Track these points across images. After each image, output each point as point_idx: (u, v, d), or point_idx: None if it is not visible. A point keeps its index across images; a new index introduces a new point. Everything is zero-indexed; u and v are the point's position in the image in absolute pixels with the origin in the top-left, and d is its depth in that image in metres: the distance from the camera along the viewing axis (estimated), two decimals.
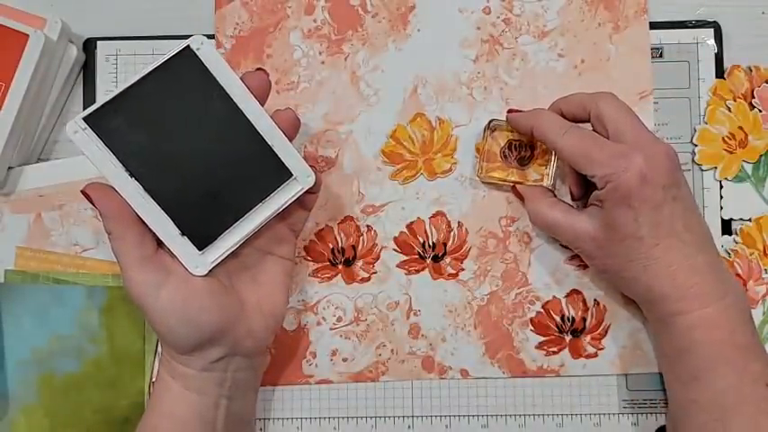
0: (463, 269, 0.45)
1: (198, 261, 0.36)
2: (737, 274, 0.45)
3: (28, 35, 0.42)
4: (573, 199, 0.44)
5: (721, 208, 0.46)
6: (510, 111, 0.44)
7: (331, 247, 0.46)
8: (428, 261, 0.46)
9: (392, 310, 0.45)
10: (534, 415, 0.45)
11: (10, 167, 0.45)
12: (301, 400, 0.45)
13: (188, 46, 0.35)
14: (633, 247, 0.38)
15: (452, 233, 0.46)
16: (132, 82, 0.35)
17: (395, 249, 0.46)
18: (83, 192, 0.35)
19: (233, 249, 0.37)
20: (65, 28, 0.44)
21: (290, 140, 0.37)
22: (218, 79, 0.35)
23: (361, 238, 0.46)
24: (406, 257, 0.46)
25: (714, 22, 0.46)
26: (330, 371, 0.45)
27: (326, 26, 0.46)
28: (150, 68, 0.35)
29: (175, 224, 0.36)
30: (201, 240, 0.36)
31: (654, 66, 0.46)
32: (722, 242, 0.45)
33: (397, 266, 0.46)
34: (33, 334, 0.44)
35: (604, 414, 0.45)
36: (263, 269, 0.40)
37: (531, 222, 0.44)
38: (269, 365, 0.45)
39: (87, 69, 0.47)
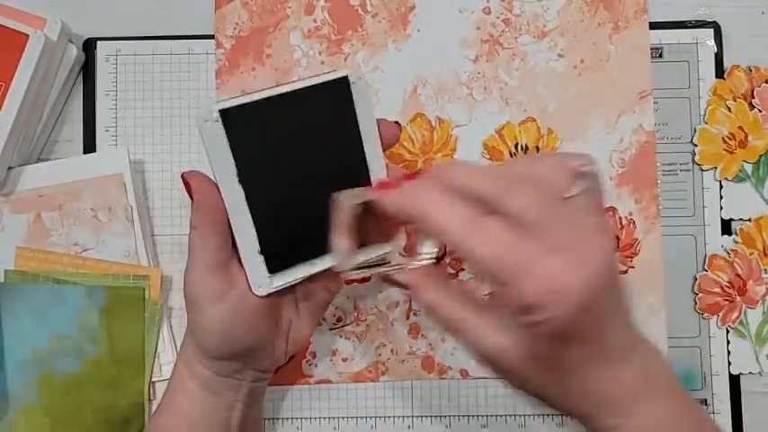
0: (463, 269, 0.45)
1: (263, 282, 0.35)
2: (737, 274, 0.45)
3: (28, 35, 0.42)
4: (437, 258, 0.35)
5: (721, 208, 0.46)
6: (381, 185, 0.35)
7: None
8: None
9: (392, 310, 0.45)
10: (534, 415, 0.45)
11: (10, 167, 0.45)
12: (301, 400, 0.45)
13: (346, 76, 0.35)
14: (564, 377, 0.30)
15: None
16: (280, 92, 0.34)
17: None
18: (183, 176, 0.35)
19: (299, 281, 0.36)
20: (65, 28, 0.44)
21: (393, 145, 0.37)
22: (357, 116, 0.35)
23: None
24: None
25: (714, 22, 0.46)
26: (330, 371, 0.45)
27: (326, 26, 0.46)
28: (302, 85, 0.34)
29: (259, 241, 0.35)
30: (275, 264, 0.35)
31: (654, 66, 0.46)
32: (722, 242, 0.45)
33: None
34: (33, 334, 0.44)
35: None
36: (306, 299, 0.39)
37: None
38: None
39: (87, 69, 0.47)
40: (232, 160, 0.34)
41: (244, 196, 0.34)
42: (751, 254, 0.45)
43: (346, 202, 0.34)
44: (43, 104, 0.45)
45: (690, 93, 0.46)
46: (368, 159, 0.36)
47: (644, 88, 0.46)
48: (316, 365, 0.45)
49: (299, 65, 0.46)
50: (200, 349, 0.37)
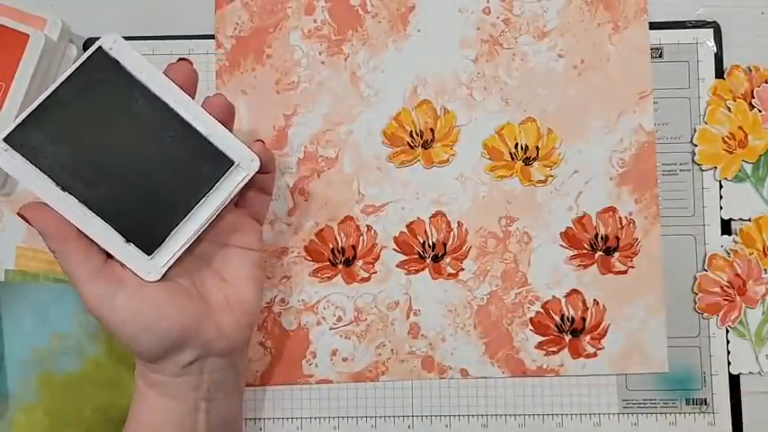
0: (463, 269, 0.45)
1: (149, 266, 0.35)
2: (737, 274, 0.45)
3: (28, 35, 0.42)
4: None
5: (721, 208, 0.46)
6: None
7: (331, 247, 0.46)
8: (428, 261, 0.46)
9: (392, 309, 0.45)
10: (534, 415, 0.45)
11: None
12: (301, 399, 0.45)
13: (100, 47, 0.33)
14: None
15: (452, 233, 0.46)
16: (48, 93, 0.33)
17: (395, 249, 0.46)
18: (19, 214, 0.34)
19: (184, 248, 0.35)
20: (65, 28, 0.44)
21: (228, 126, 0.35)
22: (137, 77, 0.34)
23: (361, 238, 0.46)
24: (405, 257, 0.46)
25: (714, 22, 0.46)
26: (330, 371, 0.45)
27: (326, 26, 0.46)
28: (65, 76, 0.33)
29: (118, 232, 0.34)
30: (149, 244, 0.35)
31: (654, 66, 0.46)
32: (722, 242, 0.45)
33: (396, 266, 0.46)
34: (33, 333, 0.44)
35: (604, 414, 0.45)
36: (227, 263, 0.38)
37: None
38: (268, 365, 0.45)
39: None
40: (44, 176, 0.33)
41: (76, 201, 0.34)
42: (751, 254, 0.45)
43: None
44: None
45: (690, 93, 0.46)
46: (173, 107, 0.34)
47: (644, 88, 0.46)
48: (316, 365, 0.45)
49: (299, 65, 0.46)
50: (136, 356, 0.36)
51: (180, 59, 0.36)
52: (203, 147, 0.35)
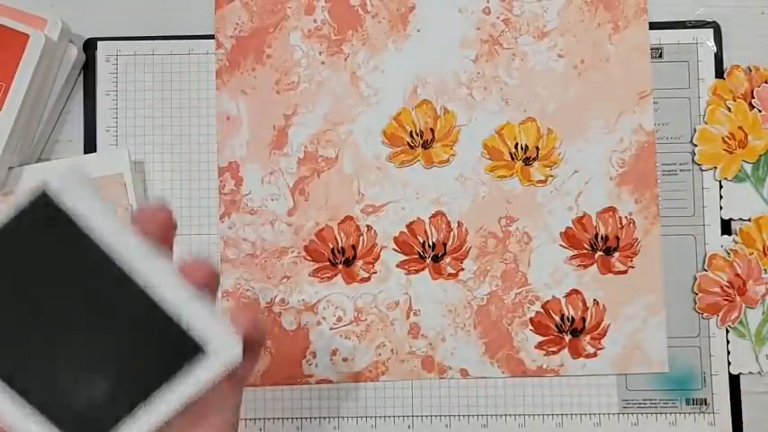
0: (463, 269, 0.45)
1: None
2: (737, 274, 0.45)
3: (28, 35, 0.42)
4: None
5: (721, 208, 0.46)
6: None
7: (331, 247, 0.46)
8: (428, 261, 0.46)
9: (392, 309, 0.45)
10: (534, 415, 0.45)
11: (10, 168, 0.45)
12: (301, 399, 0.45)
13: (43, 191, 0.26)
14: None
15: (452, 233, 0.46)
16: None
17: (395, 249, 0.46)
18: None
19: None
20: (65, 28, 0.44)
21: (210, 296, 0.28)
22: (88, 232, 0.26)
23: (361, 238, 0.46)
24: (405, 257, 0.46)
25: (714, 22, 0.46)
26: (330, 371, 0.45)
27: (326, 26, 0.46)
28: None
29: (55, 425, 0.27)
30: None
31: (654, 66, 0.46)
32: (722, 242, 0.45)
33: (396, 266, 0.46)
34: None
35: (604, 414, 0.45)
36: None
37: None
38: (268, 365, 0.45)
39: (87, 69, 0.47)
40: None
41: (6, 386, 0.27)
42: (751, 254, 0.45)
43: None
44: (44, 105, 0.45)
45: (690, 93, 0.46)
46: (131, 274, 0.26)
47: (644, 88, 0.46)
48: (316, 365, 0.45)
49: (299, 65, 0.46)
50: None
51: (153, 202, 0.28)
52: (167, 326, 0.27)
